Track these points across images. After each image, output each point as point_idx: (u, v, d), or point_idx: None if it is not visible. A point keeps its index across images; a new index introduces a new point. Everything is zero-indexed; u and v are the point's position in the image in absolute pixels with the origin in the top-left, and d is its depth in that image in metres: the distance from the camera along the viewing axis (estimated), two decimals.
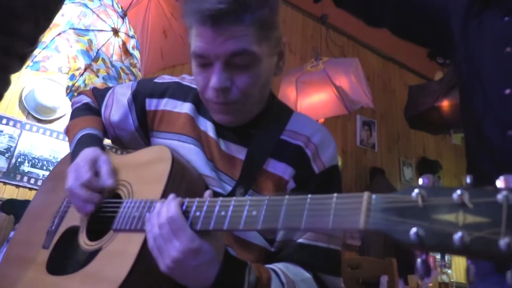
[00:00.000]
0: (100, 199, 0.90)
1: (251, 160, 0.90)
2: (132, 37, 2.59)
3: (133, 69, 2.53)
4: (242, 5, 0.79)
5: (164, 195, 0.80)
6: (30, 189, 2.71)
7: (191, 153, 0.94)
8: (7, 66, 1.33)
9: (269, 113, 0.96)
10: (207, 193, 0.73)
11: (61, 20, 2.25)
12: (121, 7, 2.60)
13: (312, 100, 2.72)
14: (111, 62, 2.37)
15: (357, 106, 2.74)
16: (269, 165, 0.90)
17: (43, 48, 2.22)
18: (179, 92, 1.03)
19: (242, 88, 0.84)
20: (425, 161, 4.94)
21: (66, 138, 3.01)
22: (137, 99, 1.05)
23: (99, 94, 1.13)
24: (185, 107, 1.00)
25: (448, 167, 5.04)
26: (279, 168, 0.90)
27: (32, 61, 2.24)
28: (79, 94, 1.18)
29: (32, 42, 1.35)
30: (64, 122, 2.95)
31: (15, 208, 2.14)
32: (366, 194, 0.50)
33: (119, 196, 0.92)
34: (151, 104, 1.03)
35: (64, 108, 2.92)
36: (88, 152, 0.95)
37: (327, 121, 3.79)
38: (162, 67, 3.33)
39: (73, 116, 1.12)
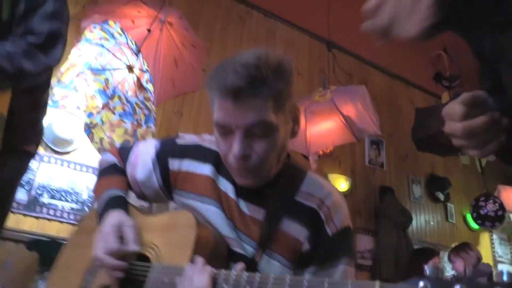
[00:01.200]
0: (127, 266, 0.98)
1: (269, 222, 0.97)
2: (145, 71, 2.68)
3: (147, 103, 2.61)
4: (260, 80, 0.87)
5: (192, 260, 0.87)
6: (49, 220, 2.80)
7: (213, 214, 1.01)
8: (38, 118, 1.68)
9: (285, 174, 1.03)
10: (239, 266, 0.80)
11: (78, 60, 2.36)
12: (135, 43, 2.69)
13: (321, 128, 2.79)
14: (126, 99, 2.47)
15: (365, 135, 2.81)
16: (284, 225, 0.97)
17: (62, 88, 2.32)
18: (199, 153, 1.10)
19: (261, 155, 0.92)
20: (434, 178, 4.97)
21: (83, 169, 3.06)
22: (161, 159, 1.13)
23: (124, 153, 1.21)
24: (206, 169, 1.07)
25: (457, 184, 5.05)
26: (294, 230, 0.97)
27: (51, 99, 2.34)
28: (105, 153, 1.26)
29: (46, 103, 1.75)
30: (80, 153, 3.05)
31: (40, 247, 2.21)
32: (377, 285, 0.57)
33: (146, 257, 0.99)
34: (174, 164, 1.11)
35: (80, 140, 3.01)
36: (114, 217, 1.03)
37: None
38: (174, 95, 3.41)
39: (100, 175, 1.20)
